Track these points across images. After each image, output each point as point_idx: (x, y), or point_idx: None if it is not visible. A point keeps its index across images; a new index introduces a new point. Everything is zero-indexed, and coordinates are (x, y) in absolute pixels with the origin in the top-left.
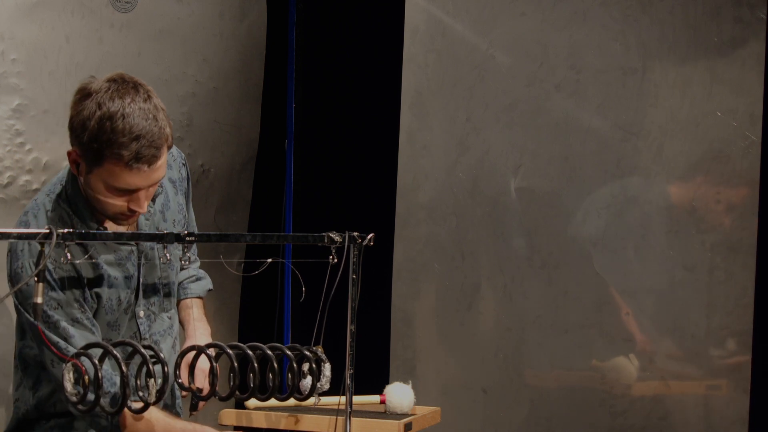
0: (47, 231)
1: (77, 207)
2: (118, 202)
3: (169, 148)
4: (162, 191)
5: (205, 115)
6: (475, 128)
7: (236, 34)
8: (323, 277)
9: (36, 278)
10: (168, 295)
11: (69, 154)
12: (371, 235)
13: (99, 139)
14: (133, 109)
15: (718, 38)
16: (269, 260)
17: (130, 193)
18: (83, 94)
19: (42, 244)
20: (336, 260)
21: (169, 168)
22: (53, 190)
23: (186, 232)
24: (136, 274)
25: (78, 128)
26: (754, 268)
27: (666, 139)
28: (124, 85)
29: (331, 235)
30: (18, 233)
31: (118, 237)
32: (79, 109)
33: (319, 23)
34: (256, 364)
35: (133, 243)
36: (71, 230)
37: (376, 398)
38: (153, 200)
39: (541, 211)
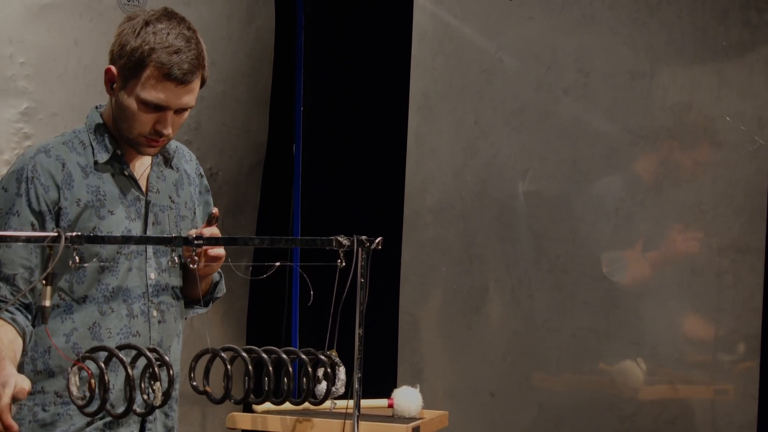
0: (55, 234)
1: (99, 133)
2: (146, 119)
3: (203, 82)
4: (180, 176)
5: (214, 118)
6: (483, 132)
7: (244, 38)
8: (331, 281)
9: (44, 281)
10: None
11: (106, 72)
12: (379, 238)
13: (142, 48)
14: (178, 31)
15: (726, 42)
16: (277, 264)
17: (158, 110)
18: (129, 18)
19: (50, 247)
20: (344, 264)
21: (186, 162)
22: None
23: (194, 234)
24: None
25: (123, 42)
26: (762, 271)
27: (674, 142)
28: (169, 14)
29: (339, 238)
30: (27, 236)
31: (126, 240)
32: (124, 28)
33: (327, 26)
34: (271, 368)
35: (142, 196)
36: (79, 234)
37: (384, 402)
38: (178, 193)
39: (549, 214)
